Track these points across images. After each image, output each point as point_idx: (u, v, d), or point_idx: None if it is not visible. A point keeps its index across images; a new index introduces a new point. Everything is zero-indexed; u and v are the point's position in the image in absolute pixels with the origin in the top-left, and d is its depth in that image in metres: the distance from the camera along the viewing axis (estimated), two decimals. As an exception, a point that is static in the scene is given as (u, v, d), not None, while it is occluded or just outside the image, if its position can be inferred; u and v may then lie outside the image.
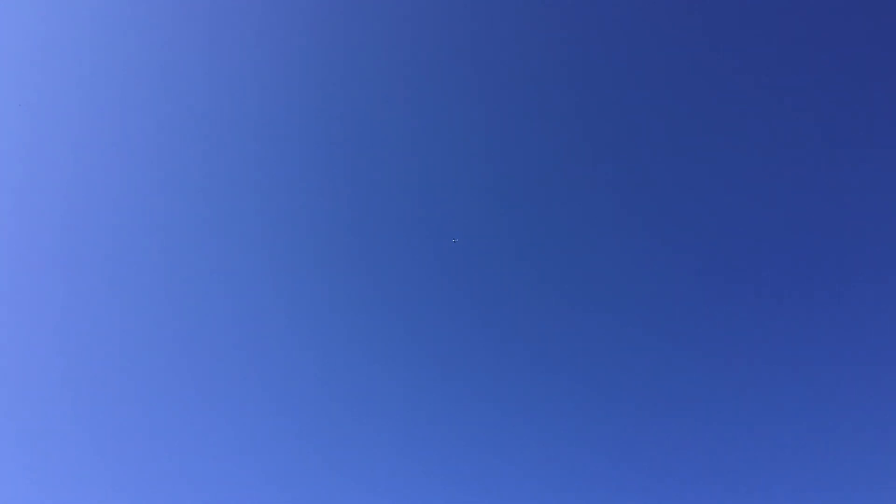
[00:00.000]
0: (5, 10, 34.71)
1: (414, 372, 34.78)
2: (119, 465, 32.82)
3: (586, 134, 36.00)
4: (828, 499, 29.68)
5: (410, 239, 35.93)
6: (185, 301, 34.88)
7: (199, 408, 33.85)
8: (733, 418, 31.85)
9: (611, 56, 35.63)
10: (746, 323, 32.73)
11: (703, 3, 34.64)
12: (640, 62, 35.27)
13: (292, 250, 35.87)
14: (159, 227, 35.13)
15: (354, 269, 35.82)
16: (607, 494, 31.51)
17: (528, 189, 36.10)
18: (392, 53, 36.60)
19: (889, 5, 31.93)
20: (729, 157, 34.18)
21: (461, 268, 35.39)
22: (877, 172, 32.08)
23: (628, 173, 35.35)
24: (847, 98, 32.75)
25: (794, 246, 32.82)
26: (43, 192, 34.69)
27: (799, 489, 30.13)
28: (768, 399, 31.85)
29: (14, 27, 34.92)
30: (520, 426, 33.55)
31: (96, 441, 33.13)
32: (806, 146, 33.31)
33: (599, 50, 35.77)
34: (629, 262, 34.69)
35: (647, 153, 35.19)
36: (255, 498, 32.46)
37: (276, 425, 33.88)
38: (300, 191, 36.23)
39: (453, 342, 34.98)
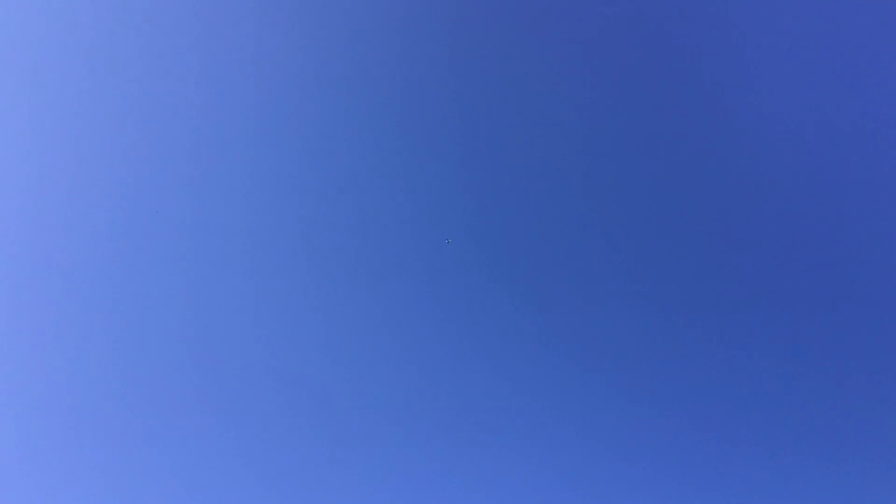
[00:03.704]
0: (5, 10, 34.72)
1: (415, 372, 34.79)
2: (121, 465, 32.87)
3: (585, 135, 36.03)
4: (829, 499, 29.71)
5: (406, 240, 35.96)
6: (184, 302, 34.89)
7: (197, 408, 33.86)
8: (735, 418, 31.87)
9: (609, 56, 35.66)
10: (749, 324, 32.76)
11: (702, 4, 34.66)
12: (639, 62, 35.31)
13: (292, 252, 35.89)
14: (158, 229, 35.15)
15: (352, 270, 35.83)
16: (608, 494, 31.53)
17: (529, 189, 36.12)
18: (387, 55, 36.62)
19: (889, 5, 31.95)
20: (730, 157, 34.22)
21: (464, 268, 35.39)
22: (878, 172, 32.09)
23: (629, 173, 35.39)
24: (847, 97, 32.78)
25: (796, 246, 32.84)
26: (42, 192, 34.71)
27: (800, 489, 30.17)
28: (771, 399, 31.87)
29: (14, 27, 34.92)
30: (521, 426, 33.56)
31: (100, 441, 33.17)
32: (807, 146, 33.36)
33: (597, 50, 35.78)
34: (630, 261, 34.71)
35: (646, 154, 35.22)
36: (257, 498, 32.49)
37: (274, 425, 33.89)
38: (300, 194, 36.26)
39: (450, 342, 35.01)
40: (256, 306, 35.15)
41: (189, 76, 35.78)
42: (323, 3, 36.35)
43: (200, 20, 35.63)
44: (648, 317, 33.89)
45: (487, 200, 36.28)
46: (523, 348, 34.56)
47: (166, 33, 35.59)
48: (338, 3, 36.24)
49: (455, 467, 32.93)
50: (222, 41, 35.79)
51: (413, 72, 36.45)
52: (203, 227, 35.37)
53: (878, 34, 32.31)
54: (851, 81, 32.69)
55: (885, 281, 31.16)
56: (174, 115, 35.73)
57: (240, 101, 36.15)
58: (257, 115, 36.27)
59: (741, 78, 34.16)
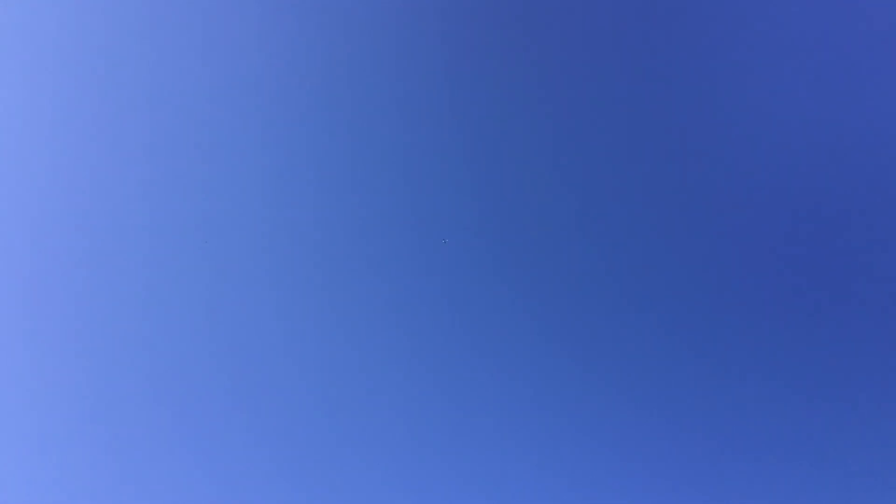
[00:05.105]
0: (5, 10, 34.74)
1: (412, 373, 34.79)
2: (120, 466, 32.92)
3: (585, 133, 36.04)
4: (829, 499, 29.73)
5: (407, 239, 35.95)
6: (180, 302, 34.92)
7: (199, 406, 33.89)
8: (738, 422, 31.89)
9: (609, 56, 35.69)
10: (752, 326, 32.76)
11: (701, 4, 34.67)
12: (640, 62, 35.34)
13: (285, 251, 35.90)
14: (161, 228, 35.19)
15: (353, 270, 35.84)
16: (608, 494, 31.54)
17: (530, 189, 36.12)
18: (383, 53, 36.65)
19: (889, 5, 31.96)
20: (733, 158, 34.25)
21: (466, 267, 35.38)
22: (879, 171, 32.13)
23: (631, 174, 35.39)
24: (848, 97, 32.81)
25: (798, 249, 32.85)
26: (42, 192, 34.75)
27: (800, 490, 30.18)
28: (773, 403, 31.88)
29: (14, 27, 34.96)
30: (524, 426, 33.56)
31: (101, 442, 33.20)
32: (808, 147, 33.39)
33: (597, 48, 35.81)
34: (632, 261, 34.71)
35: (648, 155, 35.25)
36: (261, 495, 32.54)
37: (274, 423, 33.93)
38: (292, 191, 36.27)
39: (452, 342, 34.99)
40: (259, 305, 35.21)
41: (190, 75, 35.89)
42: (324, 2, 36.42)
43: (200, 19, 35.73)
44: (651, 318, 33.91)
45: (489, 200, 36.31)
46: (526, 349, 34.58)
47: (167, 33, 35.67)
48: (339, 2, 36.30)
49: (456, 466, 32.98)
50: (222, 40, 35.87)
51: (413, 71, 36.52)
52: (203, 226, 35.45)
53: (879, 34, 32.36)
54: (852, 81, 32.77)
55: (886, 283, 31.20)
56: (177, 115, 35.81)
57: (240, 101, 36.22)
58: (258, 114, 36.35)
59: (743, 79, 34.23)
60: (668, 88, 35.20)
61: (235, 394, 34.24)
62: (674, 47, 35.12)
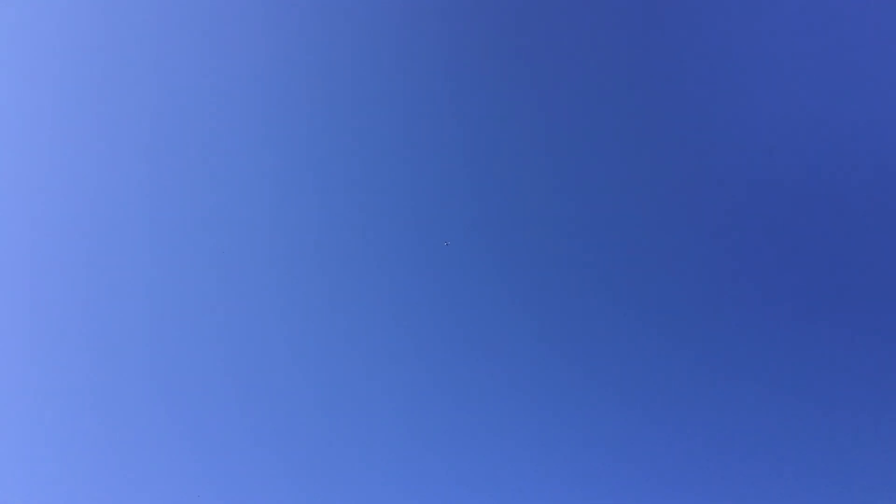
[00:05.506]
0: (5, 10, 34.70)
1: (415, 372, 34.83)
2: (118, 465, 32.95)
3: (587, 133, 36.00)
4: (828, 499, 29.74)
5: (404, 241, 35.97)
6: (184, 302, 34.91)
7: (196, 408, 33.91)
8: (734, 420, 31.90)
9: (610, 53, 35.62)
10: (750, 324, 32.76)
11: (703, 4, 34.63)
12: (640, 62, 35.28)
13: (289, 252, 35.89)
14: (162, 228, 35.16)
15: (352, 271, 35.85)
16: (607, 493, 31.58)
17: (528, 187, 36.12)
18: (385, 53, 36.58)
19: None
20: (733, 159, 34.21)
21: (467, 268, 35.40)
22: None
23: (629, 171, 35.39)
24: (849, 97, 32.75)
25: (797, 250, 32.84)
26: (45, 193, 34.73)
27: (799, 490, 30.20)
28: (770, 400, 31.89)
29: (14, 27, 34.90)
30: (519, 425, 33.60)
31: (99, 442, 33.22)
32: (807, 147, 33.34)
33: (598, 47, 35.75)
34: (630, 261, 34.72)
35: (649, 155, 35.22)
36: (257, 497, 32.58)
37: (273, 425, 33.96)
38: (296, 192, 36.24)
39: (452, 343, 35.04)
40: (261, 305, 35.20)
41: (191, 77, 35.82)
42: (325, 2, 36.37)
43: (201, 20, 35.67)
44: (651, 319, 33.92)
45: (490, 202, 36.31)
46: (526, 349, 34.59)
47: (169, 33, 35.61)
48: (339, 3, 36.26)
49: (456, 466, 33.01)
50: (223, 40, 35.81)
51: (413, 71, 36.47)
52: (203, 227, 35.44)
53: (878, 34, 32.30)
54: (851, 82, 32.69)
55: (886, 283, 31.18)
56: (179, 116, 35.77)
57: (241, 102, 36.17)
58: (259, 115, 36.29)
59: (743, 81, 34.16)
60: (667, 91, 35.15)
61: (236, 393, 34.25)
62: (672, 49, 35.06)
